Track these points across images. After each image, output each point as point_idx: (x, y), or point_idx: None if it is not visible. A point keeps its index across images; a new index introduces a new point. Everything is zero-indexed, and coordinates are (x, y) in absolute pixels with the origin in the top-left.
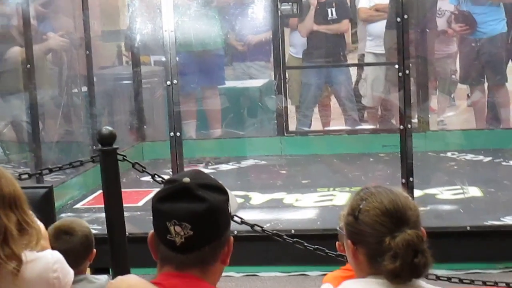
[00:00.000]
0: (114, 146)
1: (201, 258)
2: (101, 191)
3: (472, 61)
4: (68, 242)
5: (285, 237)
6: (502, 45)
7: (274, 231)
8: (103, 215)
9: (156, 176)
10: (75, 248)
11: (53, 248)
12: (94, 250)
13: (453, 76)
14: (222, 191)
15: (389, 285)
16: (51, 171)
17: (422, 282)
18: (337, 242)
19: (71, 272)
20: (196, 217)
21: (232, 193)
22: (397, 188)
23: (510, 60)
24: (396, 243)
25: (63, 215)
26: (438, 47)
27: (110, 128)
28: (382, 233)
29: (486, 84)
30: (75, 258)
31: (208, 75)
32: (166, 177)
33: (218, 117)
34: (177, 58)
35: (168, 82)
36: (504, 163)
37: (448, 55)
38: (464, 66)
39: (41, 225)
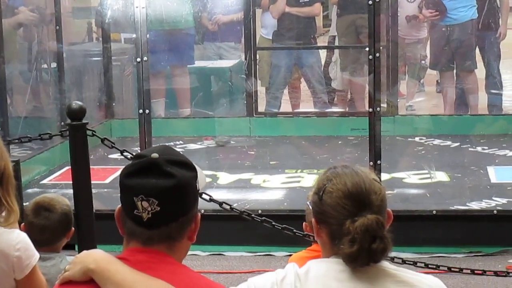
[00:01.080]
0: (84, 121)
1: (167, 234)
2: (68, 167)
3: (442, 47)
4: (46, 219)
5: (253, 215)
6: (473, 31)
7: (242, 210)
8: (70, 191)
9: (125, 152)
10: (53, 225)
11: (31, 223)
12: (73, 228)
13: (423, 62)
14: (190, 168)
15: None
16: (20, 141)
17: (385, 263)
18: (303, 223)
19: (35, 255)
20: (164, 193)
21: (201, 170)
22: (365, 169)
23: (477, 47)
24: (354, 227)
25: (29, 190)
26: (408, 32)
27: (79, 103)
28: (343, 215)
29: (455, 70)
30: (52, 234)
31: (177, 54)
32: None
33: (187, 96)
34: (147, 35)
35: (138, 59)
36: (471, 149)
37: (418, 41)
38: (434, 52)
39: None
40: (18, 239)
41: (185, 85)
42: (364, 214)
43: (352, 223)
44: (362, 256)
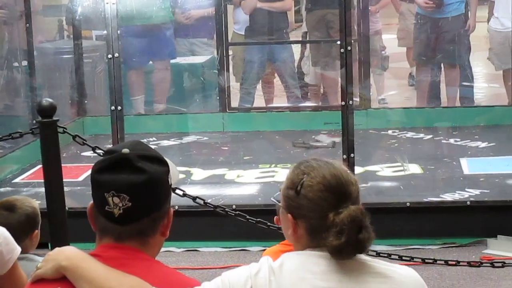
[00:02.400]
0: (54, 118)
1: (139, 229)
2: (40, 165)
3: (430, 40)
4: (4, 218)
5: (227, 210)
6: (462, 25)
7: (216, 205)
8: (43, 189)
9: (97, 148)
10: (11, 226)
11: None
12: (37, 231)
13: (383, 52)
14: (162, 163)
15: (330, 257)
16: None
17: (360, 255)
18: (275, 217)
19: (16, 249)
20: (135, 189)
21: (174, 165)
22: (337, 162)
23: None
24: (341, 219)
25: (1, 189)
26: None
27: (50, 100)
28: (325, 208)
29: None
30: (10, 234)
31: (159, 48)
32: None
33: (165, 91)
34: (118, 31)
35: (110, 56)
36: (444, 141)
37: (375, 32)
38: (420, 44)
39: None
40: None
41: (167, 79)
42: (346, 205)
43: (337, 215)
44: (349, 247)
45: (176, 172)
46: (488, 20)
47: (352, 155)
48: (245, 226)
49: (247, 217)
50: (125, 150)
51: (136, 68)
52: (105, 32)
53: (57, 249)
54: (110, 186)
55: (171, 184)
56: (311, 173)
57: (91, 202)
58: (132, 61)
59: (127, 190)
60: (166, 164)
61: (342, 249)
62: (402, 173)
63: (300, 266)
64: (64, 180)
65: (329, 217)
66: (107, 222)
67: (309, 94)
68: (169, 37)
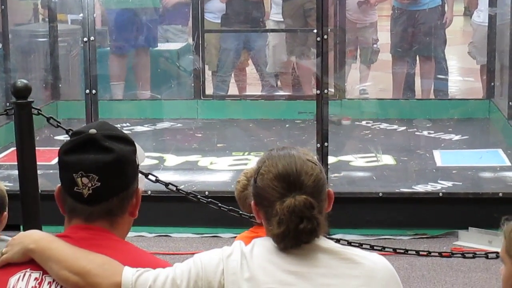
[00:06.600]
0: (29, 99)
1: (108, 209)
2: (13, 148)
3: (406, 32)
4: None
5: (199, 197)
6: (439, 17)
7: (189, 191)
8: (15, 172)
9: (71, 131)
10: None
11: None
12: (5, 213)
13: (375, 45)
14: (129, 142)
15: None
16: None
17: (330, 242)
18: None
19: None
20: (103, 168)
21: (139, 146)
22: (303, 150)
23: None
24: (281, 208)
25: None
26: (359, 17)
27: (25, 81)
28: (274, 197)
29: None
30: None
31: (144, 36)
32: None
33: (148, 78)
34: (94, 15)
35: (85, 39)
36: (417, 133)
37: (370, 25)
38: (396, 36)
39: None
40: None
41: (147, 66)
42: (294, 195)
43: (281, 204)
44: (290, 236)
45: (142, 152)
46: (464, 14)
47: (326, 144)
48: (217, 212)
49: (219, 204)
50: (92, 131)
51: (120, 54)
52: (80, 15)
53: (21, 233)
54: (79, 166)
55: (138, 164)
56: (266, 161)
57: (59, 185)
58: (116, 46)
59: (95, 170)
60: (133, 144)
61: (282, 238)
62: (375, 163)
63: (270, 250)
64: (37, 163)
65: (276, 205)
66: (76, 203)
67: (282, 82)
68: (154, 24)
